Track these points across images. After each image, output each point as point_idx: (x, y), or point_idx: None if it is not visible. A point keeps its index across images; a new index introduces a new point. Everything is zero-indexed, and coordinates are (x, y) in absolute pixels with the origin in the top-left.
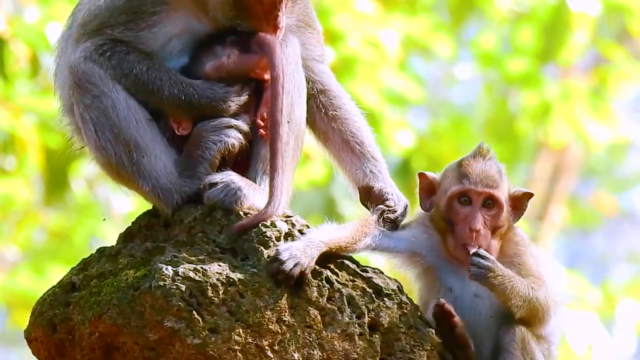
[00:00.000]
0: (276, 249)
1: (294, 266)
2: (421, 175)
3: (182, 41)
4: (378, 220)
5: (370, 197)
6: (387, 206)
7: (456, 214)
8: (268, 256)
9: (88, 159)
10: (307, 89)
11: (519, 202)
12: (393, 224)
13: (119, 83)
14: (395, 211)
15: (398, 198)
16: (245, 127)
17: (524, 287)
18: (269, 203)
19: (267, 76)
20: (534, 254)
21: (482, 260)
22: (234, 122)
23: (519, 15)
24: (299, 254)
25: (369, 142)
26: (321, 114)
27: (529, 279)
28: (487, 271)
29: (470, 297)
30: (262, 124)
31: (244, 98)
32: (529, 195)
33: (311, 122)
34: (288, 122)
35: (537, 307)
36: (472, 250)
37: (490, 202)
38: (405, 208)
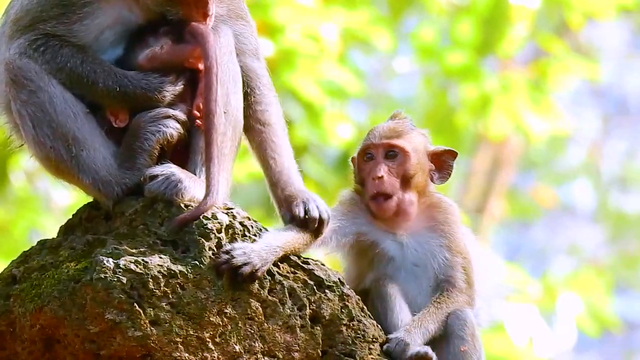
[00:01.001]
0: (231, 246)
1: (244, 264)
2: (352, 159)
3: (115, 32)
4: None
5: (286, 207)
6: (292, 213)
7: (363, 171)
8: (210, 248)
9: (28, 154)
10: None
11: (442, 161)
12: (312, 236)
13: (55, 77)
14: (306, 222)
15: (311, 208)
16: (182, 116)
17: (436, 319)
18: (207, 194)
19: (201, 66)
20: (463, 231)
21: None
22: (171, 112)
23: (458, 8)
24: (253, 254)
25: (274, 162)
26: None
27: (457, 256)
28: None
29: (410, 267)
30: (198, 114)
31: (179, 88)
32: (453, 154)
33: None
34: (225, 112)
35: (456, 313)
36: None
37: (393, 152)
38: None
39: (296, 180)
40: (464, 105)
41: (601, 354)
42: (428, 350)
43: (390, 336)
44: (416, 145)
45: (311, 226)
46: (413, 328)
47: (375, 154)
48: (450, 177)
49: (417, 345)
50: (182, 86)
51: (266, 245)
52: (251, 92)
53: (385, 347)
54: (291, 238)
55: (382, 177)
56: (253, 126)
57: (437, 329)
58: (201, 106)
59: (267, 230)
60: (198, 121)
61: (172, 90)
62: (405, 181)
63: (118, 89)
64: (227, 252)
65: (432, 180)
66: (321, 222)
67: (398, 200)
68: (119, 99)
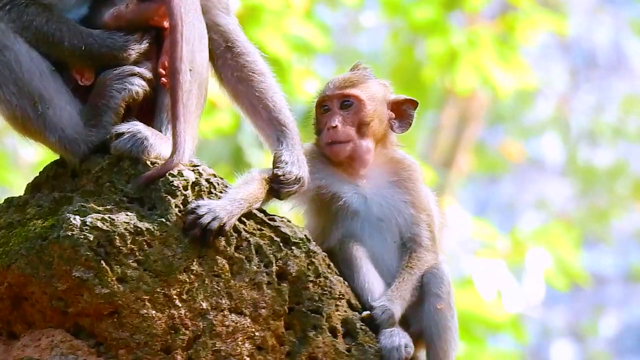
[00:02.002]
0: (195, 204)
1: (212, 220)
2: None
3: None
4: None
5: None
6: (274, 175)
7: (320, 122)
8: (176, 205)
9: None
10: (213, 45)
11: (403, 110)
12: (276, 194)
13: (21, 36)
14: (281, 182)
15: (290, 170)
16: (148, 74)
17: (411, 285)
18: (173, 152)
19: (166, 24)
20: (426, 191)
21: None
22: (137, 69)
23: None
24: (218, 209)
25: (276, 105)
26: (227, 75)
27: (422, 213)
28: (389, 319)
29: (375, 221)
30: (163, 72)
31: (144, 46)
32: (414, 103)
33: (219, 80)
34: (190, 70)
35: (430, 269)
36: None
37: (348, 101)
38: (298, 180)
39: (299, 137)
40: (431, 60)
41: (570, 308)
42: (409, 343)
43: (375, 304)
44: (373, 94)
45: (283, 191)
46: (394, 298)
47: (330, 105)
48: (411, 126)
49: (398, 311)
50: (148, 44)
51: (230, 199)
52: (232, 45)
53: (370, 313)
54: (254, 190)
55: (336, 126)
56: (248, 76)
57: (413, 296)
58: (166, 64)
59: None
60: (163, 79)
61: (137, 48)
62: (361, 129)
63: (83, 48)
64: (193, 212)
65: (392, 129)
66: (280, 198)
67: (353, 145)
68: (85, 58)
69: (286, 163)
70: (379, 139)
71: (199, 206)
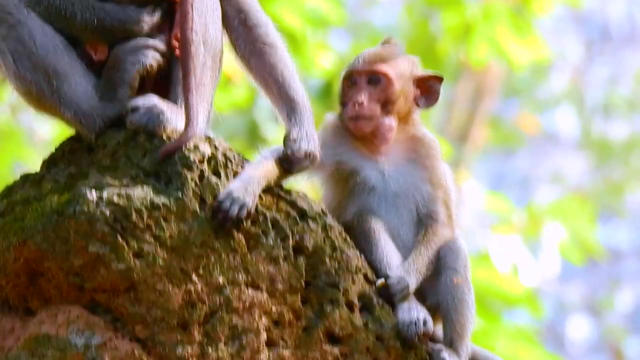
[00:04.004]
0: (217, 199)
1: (240, 209)
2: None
3: None
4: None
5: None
6: (284, 154)
7: (346, 96)
8: (192, 179)
9: (10, 89)
10: (227, 17)
11: (428, 86)
12: (288, 171)
13: (34, 11)
14: (291, 161)
15: (299, 148)
16: (162, 46)
17: (429, 255)
18: (186, 125)
19: None
20: (444, 168)
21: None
22: (150, 42)
23: None
24: (240, 195)
25: (285, 80)
26: (241, 48)
27: (438, 190)
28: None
29: (392, 197)
30: (176, 44)
31: (156, 18)
32: (438, 78)
33: (235, 53)
34: (203, 42)
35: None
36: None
37: (376, 77)
38: (308, 156)
39: (310, 111)
40: (446, 33)
41: (586, 282)
42: (428, 318)
43: (392, 274)
44: (401, 71)
45: (294, 169)
46: (410, 270)
47: (358, 80)
48: (437, 102)
49: (413, 284)
50: (160, 17)
51: (249, 178)
52: (244, 16)
53: (385, 281)
54: (272, 166)
55: (362, 103)
56: (260, 49)
57: (428, 270)
58: (179, 36)
59: (248, 161)
60: (177, 51)
61: (149, 21)
62: (386, 106)
63: (95, 22)
64: (219, 208)
65: (417, 105)
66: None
67: (377, 122)
68: (97, 32)
69: (294, 141)
70: (403, 116)
71: (221, 201)
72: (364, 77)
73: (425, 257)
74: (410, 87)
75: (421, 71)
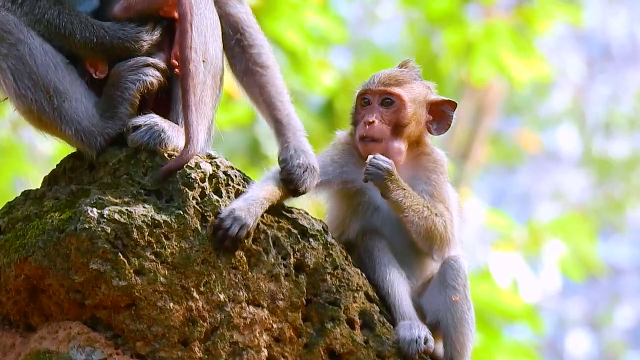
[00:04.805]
0: (219, 217)
1: (240, 229)
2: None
3: None
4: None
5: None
6: (281, 178)
7: (359, 114)
8: (194, 198)
9: (11, 107)
10: (225, 37)
11: (441, 111)
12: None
13: (34, 29)
14: (291, 181)
15: (292, 166)
16: (162, 64)
17: (420, 204)
18: (187, 143)
19: (176, 14)
20: (448, 186)
21: (381, 162)
22: (150, 60)
23: None
24: (242, 214)
25: (272, 101)
26: (236, 67)
27: (438, 205)
28: (384, 172)
29: (396, 218)
30: (176, 62)
31: (156, 37)
32: (452, 104)
33: (231, 72)
34: (204, 61)
35: (432, 230)
36: (370, 157)
37: (389, 99)
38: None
39: (298, 128)
40: (448, 51)
41: (586, 298)
42: (429, 336)
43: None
44: (415, 95)
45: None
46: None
47: (371, 99)
48: (450, 127)
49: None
50: (160, 35)
51: (253, 199)
52: (241, 36)
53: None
54: (276, 187)
55: (373, 122)
56: (252, 69)
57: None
58: (178, 54)
59: (250, 179)
60: (177, 70)
61: (149, 39)
62: (397, 129)
63: (95, 40)
64: (219, 227)
65: (429, 131)
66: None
67: (386, 145)
68: (97, 50)
69: (285, 161)
70: (413, 140)
71: (222, 219)
72: (377, 98)
73: (415, 199)
74: (423, 112)
75: (434, 96)
